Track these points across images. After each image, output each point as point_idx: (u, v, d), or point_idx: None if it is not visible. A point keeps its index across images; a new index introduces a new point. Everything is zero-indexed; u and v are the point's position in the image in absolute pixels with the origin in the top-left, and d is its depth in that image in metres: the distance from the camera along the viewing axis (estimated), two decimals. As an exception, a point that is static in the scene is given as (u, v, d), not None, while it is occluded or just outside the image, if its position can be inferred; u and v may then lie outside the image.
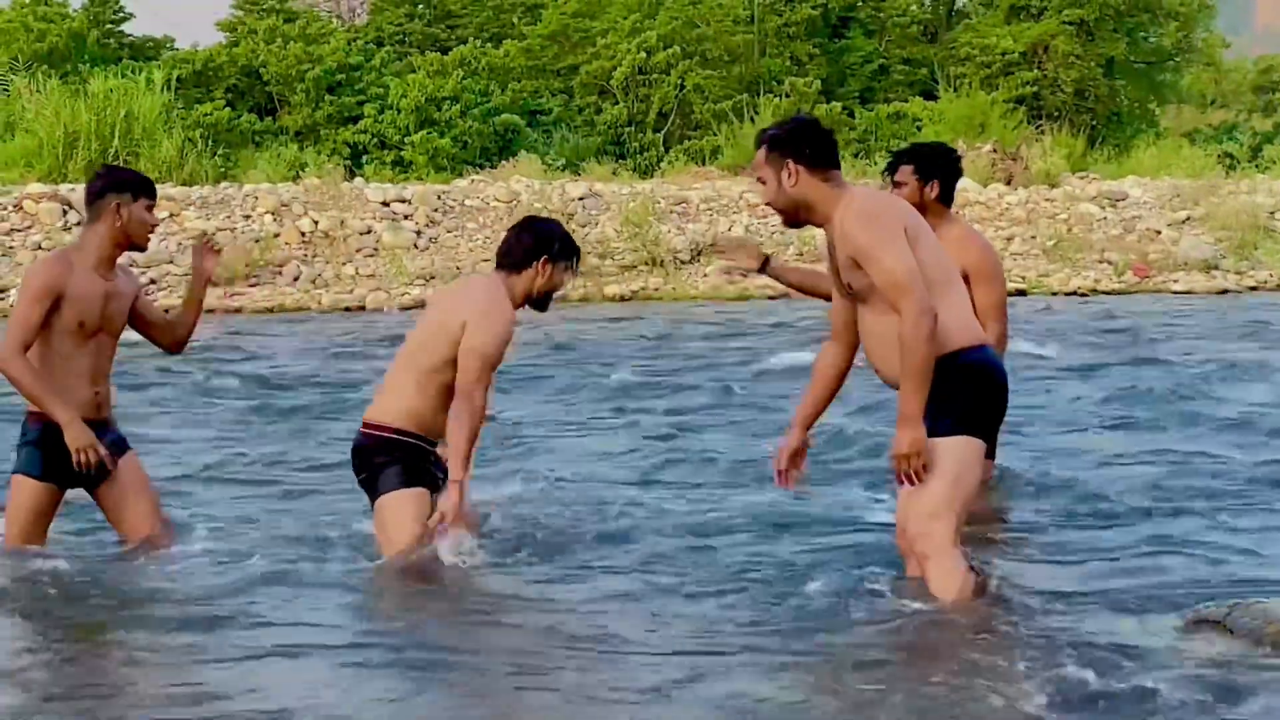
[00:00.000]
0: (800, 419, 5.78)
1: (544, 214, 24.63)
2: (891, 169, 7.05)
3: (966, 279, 6.80)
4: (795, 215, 5.52)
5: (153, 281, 22.07)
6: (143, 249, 6.33)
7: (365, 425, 6.21)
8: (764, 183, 5.52)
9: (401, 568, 6.03)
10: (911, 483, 5.27)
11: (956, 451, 5.32)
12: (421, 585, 5.98)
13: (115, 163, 26.61)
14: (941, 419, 5.29)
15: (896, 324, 5.24)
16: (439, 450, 6.16)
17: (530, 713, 4.57)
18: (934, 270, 5.32)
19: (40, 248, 22.63)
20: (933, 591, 5.38)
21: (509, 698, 4.71)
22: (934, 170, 6.98)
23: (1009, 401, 5.52)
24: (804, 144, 5.46)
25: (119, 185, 6.23)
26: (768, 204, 5.56)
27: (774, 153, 5.47)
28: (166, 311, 6.74)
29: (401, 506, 6.09)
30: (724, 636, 5.30)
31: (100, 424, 6.23)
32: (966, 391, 5.33)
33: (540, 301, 6.25)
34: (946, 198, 7.00)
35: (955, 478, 5.31)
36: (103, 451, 6.06)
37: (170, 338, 6.51)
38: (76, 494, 6.39)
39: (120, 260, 6.32)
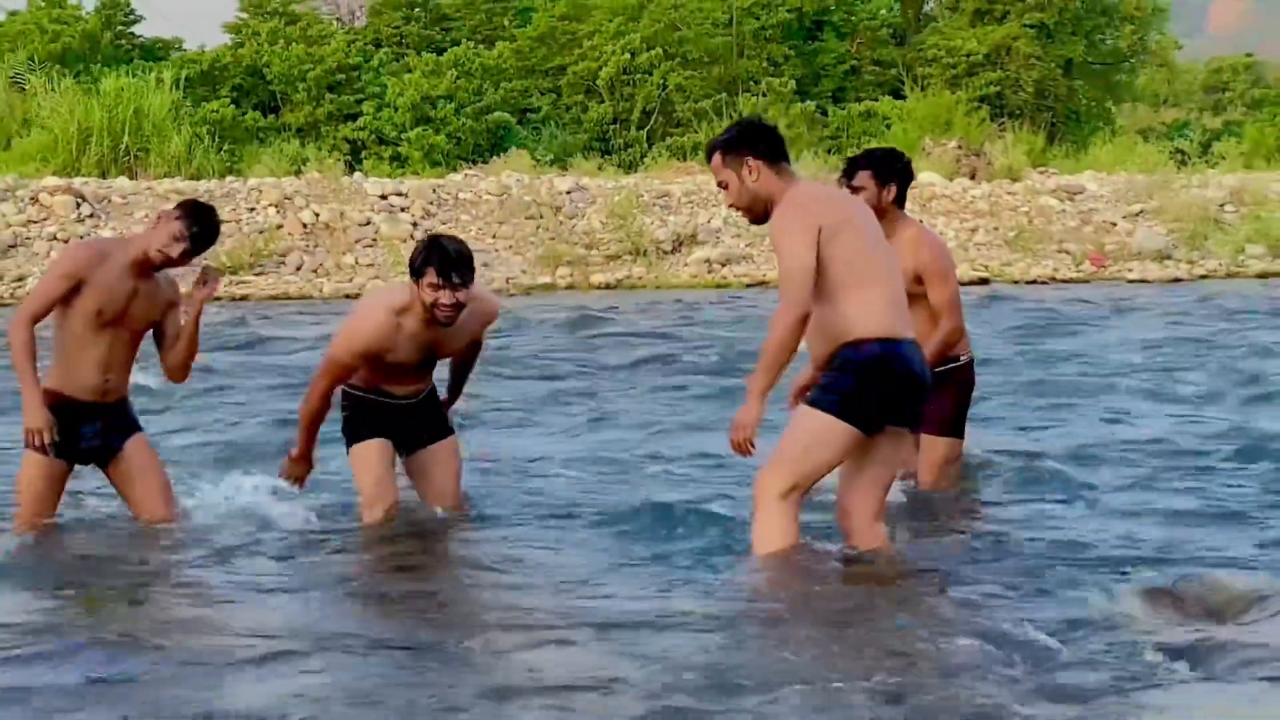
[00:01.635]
0: (797, 387, 6.04)
1: (533, 206, 24.92)
2: (849, 174, 6.98)
3: (920, 279, 6.86)
4: (762, 210, 5.55)
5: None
6: (155, 266, 6.14)
7: None
8: (726, 186, 5.57)
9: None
10: (741, 454, 5.42)
11: (818, 426, 5.42)
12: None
13: (125, 162, 26.64)
14: (825, 396, 5.41)
15: (820, 310, 5.38)
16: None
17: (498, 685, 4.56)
18: (850, 268, 5.39)
19: (55, 238, 22.59)
20: (753, 538, 5.51)
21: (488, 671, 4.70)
22: (891, 174, 6.96)
23: (921, 388, 5.49)
24: (758, 140, 5.54)
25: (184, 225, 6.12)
26: (732, 206, 5.62)
27: (730, 155, 5.54)
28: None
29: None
30: (674, 601, 5.30)
31: (104, 407, 6.21)
32: (849, 380, 5.39)
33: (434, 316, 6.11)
34: (901, 200, 6.98)
35: (806, 447, 5.43)
36: (47, 439, 6.03)
37: (170, 364, 6.38)
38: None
39: (171, 273, 6.26)
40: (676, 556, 5.96)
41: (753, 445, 5.38)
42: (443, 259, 6.00)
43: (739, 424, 5.40)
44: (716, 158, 5.57)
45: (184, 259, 6.10)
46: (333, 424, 6.46)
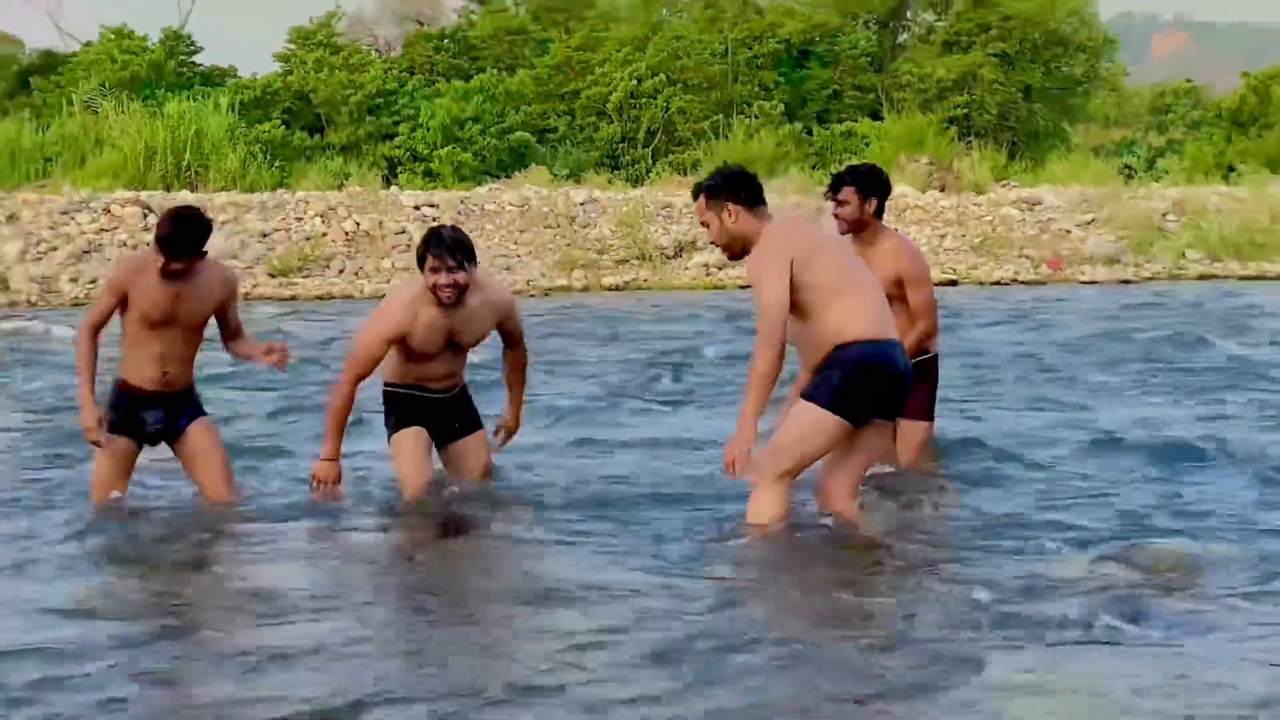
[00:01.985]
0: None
1: (550, 216, 24.90)
2: (834, 189, 6.96)
3: (900, 282, 6.88)
4: (739, 249, 5.61)
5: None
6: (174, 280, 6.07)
7: None
8: (708, 225, 5.62)
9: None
10: (733, 477, 5.45)
11: (813, 418, 5.46)
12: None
13: (186, 176, 26.65)
14: (819, 390, 5.44)
15: (805, 329, 5.46)
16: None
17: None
18: (832, 281, 5.45)
19: (125, 244, 22.65)
20: (748, 512, 5.56)
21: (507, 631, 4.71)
22: (872, 189, 6.96)
23: (906, 386, 5.56)
24: (738, 188, 5.58)
25: (159, 239, 5.97)
26: (713, 242, 5.66)
27: (713, 200, 5.58)
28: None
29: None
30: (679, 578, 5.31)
31: (167, 396, 6.22)
32: (840, 377, 5.42)
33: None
34: (880, 212, 6.99)
35: (802, 437, 5.48)
36: (100, 437, 6.08)
37: (230, 343, 6.38)
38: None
39: (218, 265, 6.25)
40: (681, 529, 5.97)
41: (745, 468, 5.40)
42: (438, 244, 6.07)
43: (732, 450, 5.41)
44: (701, 200, 5.62)
45: (171, 263, 5.93)
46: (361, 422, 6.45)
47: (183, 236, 5.94)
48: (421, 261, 6.10)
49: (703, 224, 5.67)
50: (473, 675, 4.13)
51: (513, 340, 6.50)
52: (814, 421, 5.45)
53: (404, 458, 6.34)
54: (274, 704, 3.89)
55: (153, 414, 6.21)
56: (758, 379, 5.36)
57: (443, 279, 6.03)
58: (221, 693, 4.02)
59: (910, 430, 7.02)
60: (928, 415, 7.09)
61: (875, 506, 6.15)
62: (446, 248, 6.04)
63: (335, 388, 6.31)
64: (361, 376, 6.23)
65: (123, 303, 6.07)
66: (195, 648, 4.47)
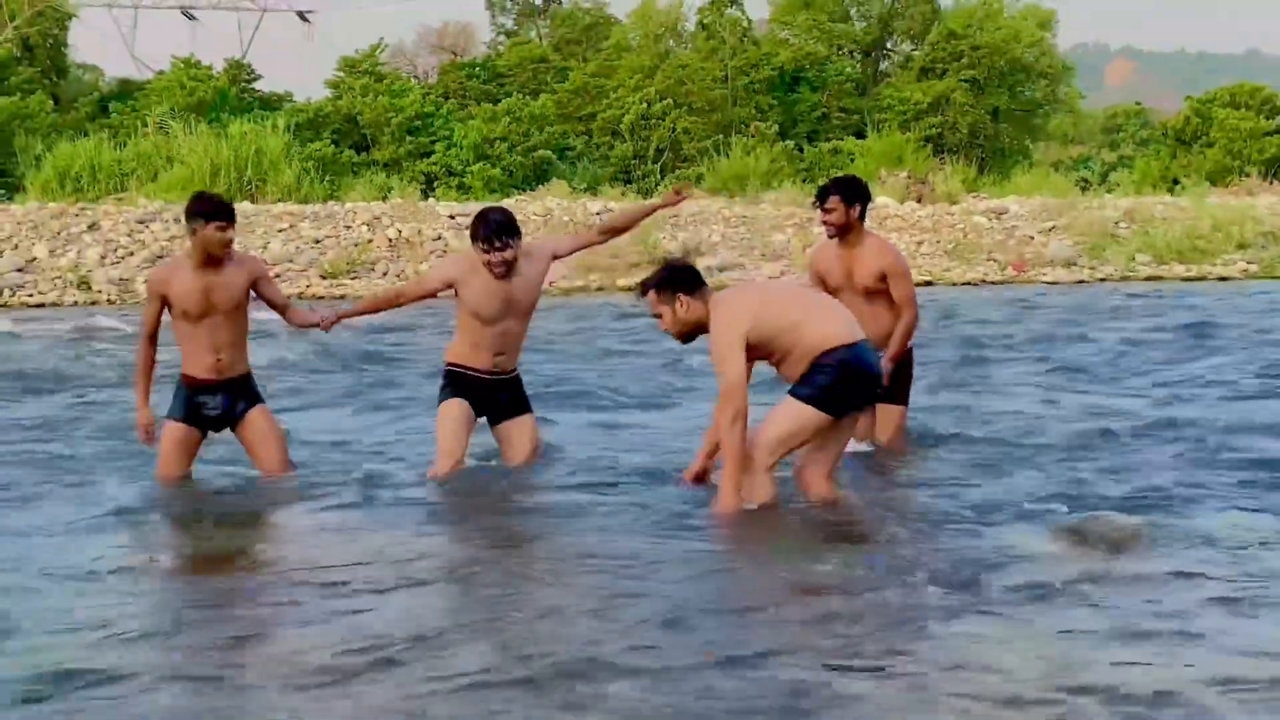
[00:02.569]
0: (704, 452, 5.89)
1: (570, 225, 24.84)
2: (822, 199, 6.93)
3: (884, 277, 6.84)
4: (691, 334, 5.59)
5: (277, 275, 22.00)
6: (220, 258, 6.10)
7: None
8: (661, 316, 5.55)
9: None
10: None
11: (801, 415, 5.45)
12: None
13: (247, 189, 26.61)
14: (808, 389, 5.43)
15: (788, 359, 5.46)
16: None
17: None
18: (799, 309, 5.49)
19: (193, 251, 22.59)
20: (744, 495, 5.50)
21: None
22: (855, 197, 6.93)
23: (878, 381, 5.61)
24: (686, 280, 5.53)
25: (197, 212, 6.05)
26: (666, 331, 5.59)
27: (664, 294, 5.52)
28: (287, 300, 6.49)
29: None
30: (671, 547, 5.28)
31: (224, 383, 6.20)
32: (826, 379, 5.42)
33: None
34: (863, 217, 6.96)
35: (790, 432, 5.46)
36: (150, 435, 6.12)
37: (285, 316, 6.37)
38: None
39: (241, 255, 6.22)
40: (677, 510, 5.92)
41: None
42: (486, 229, 6.11)
43: (717, 516, 5.39)
44: (651, 295, 5.55)
45: (224, 231, 6.00)
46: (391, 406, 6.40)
47: (209, 200, 6.10)
48: (474, 239, 6.16)
49: (655, 315, 5.58)
50: (515, 643, 4.10)
51: (570, 242, 6.52)
52: (800, 418, 5.46)
53: (443, 427, 6.29)
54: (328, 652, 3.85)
55: (213, 399, 6.19)
56: (731, 453, 5.35)
57: (495, 259, 6.11)
58: (269, 653, 3.99)
59: (888, 413, 6.99)
60: (904, 400, 7.06)
61: (854, 485, 6.09)
62: (494, 233, 6.09)
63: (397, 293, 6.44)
64: (407, 293, 6.35)
65: (165, 305, 6.07)
66: (257, 616, 4.44)
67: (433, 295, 6.34)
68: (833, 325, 5.51)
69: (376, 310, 6.56)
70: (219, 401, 6.21)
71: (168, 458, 6.25)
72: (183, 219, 6.35)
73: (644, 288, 5.59)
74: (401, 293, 6.44)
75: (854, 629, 4.08)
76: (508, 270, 6.13)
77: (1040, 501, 5.77)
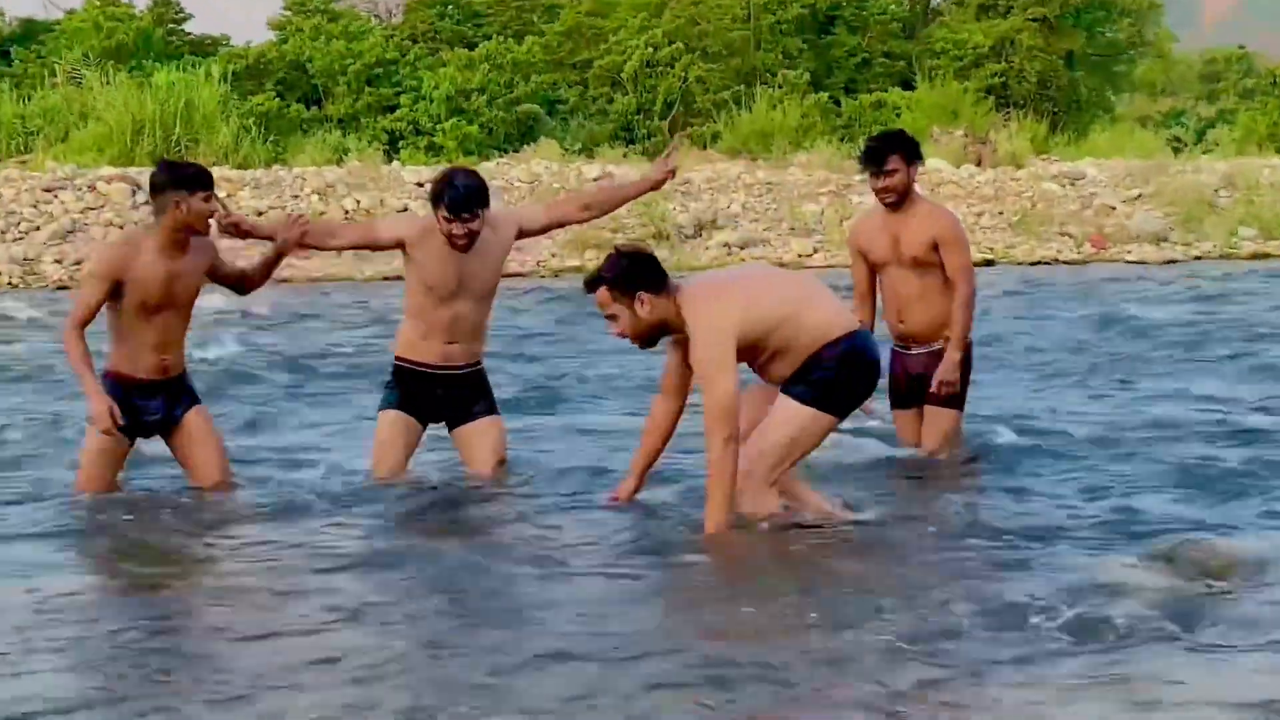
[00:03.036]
0: (637, 469, 5.93)
1: (561, 193, 24.84)
2: (878, 159, 6.84)
3: (936, 247, 6.84)
4: (654, 337, 5.54)
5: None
6: (204, 234, 6.23)
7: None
8: (615, 318, 5.47)
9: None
10: None
11: (804, 419, 5.51)
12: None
13: (176, 151, 26.64)
14: (808, 389, 5.48)
15: (785, 353, 5.49)
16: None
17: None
18: (788, 298, 5.52)
19: (111, 224, 22.61)
20: (740, 506, 5.53)
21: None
22: (916, 154, 6.94)
23: (878, 370, 5.70)
24: (646, 275, 5.45)
25: (178, 181, 6.11)
26: (621, 335, 5.51)
27: (620, 291, 5.43)
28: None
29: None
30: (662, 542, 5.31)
31: (165, 383, 6.24)
32: (827, 376, 5.48)
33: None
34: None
35: (792, 440, 5.52)
36: (109, 425, 5.99)
37: (242, 287, 6.47)
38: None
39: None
40: (675, 518, 5.93)
41: None
42: (452, 194, 6.13)
43: (711, 540, 5.42)
44: (603, 293, 5.45)
45: (210, 202, 6.12)
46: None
47: (183, 168, 6.21)
48: (434, 204, 6.19)
49: (608, 317, 5.51)
50: (483, 648, 4.14)
51: (543, 215, 6.56)
52: (804, 423, 5.52)
53: (377, 438, 6.44)
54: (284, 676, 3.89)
55: (153, 403, 6.22)
56: (723, 484, 5.38)
57: (457, 229, 6.16)
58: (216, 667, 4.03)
59: (938, 417, 6.97)
60: (958, 404, 7.03)
61: (906, 497, 6.12)
62: (461, 205, 6.12)
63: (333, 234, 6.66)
64: (356, 238, 6.57)
65: (113, 291, 6.04)
66: (196, 637, 4.47)
67: (375, 248, 6.50)
68: (829, 313, 5.57)
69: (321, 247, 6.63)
70: (159, 405, 6.23)
71: (91, 468, 6.27)
72: (147, 193, 6.35)
73: (593, 283, 5.47)
74: (337, 233, 6.59)
75: (906, 669, 4.10)
76: (469, 243, 6.16)
77: (1118, 524, 5.79)
